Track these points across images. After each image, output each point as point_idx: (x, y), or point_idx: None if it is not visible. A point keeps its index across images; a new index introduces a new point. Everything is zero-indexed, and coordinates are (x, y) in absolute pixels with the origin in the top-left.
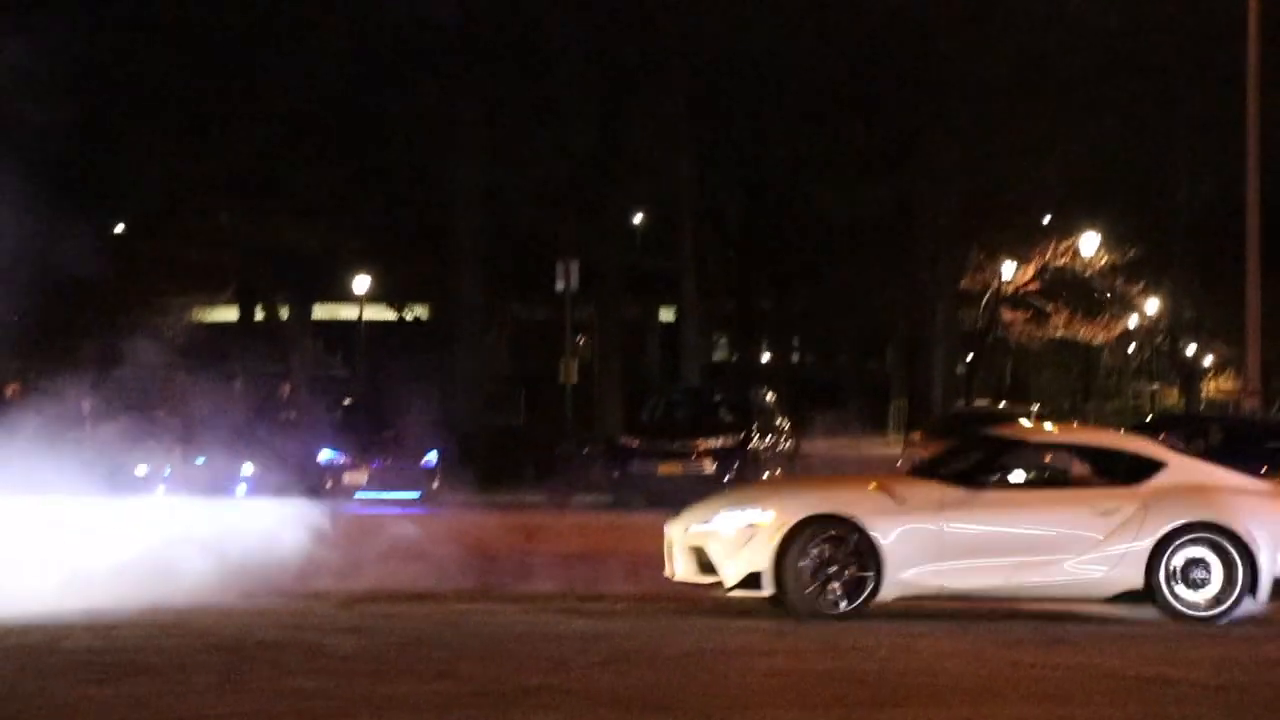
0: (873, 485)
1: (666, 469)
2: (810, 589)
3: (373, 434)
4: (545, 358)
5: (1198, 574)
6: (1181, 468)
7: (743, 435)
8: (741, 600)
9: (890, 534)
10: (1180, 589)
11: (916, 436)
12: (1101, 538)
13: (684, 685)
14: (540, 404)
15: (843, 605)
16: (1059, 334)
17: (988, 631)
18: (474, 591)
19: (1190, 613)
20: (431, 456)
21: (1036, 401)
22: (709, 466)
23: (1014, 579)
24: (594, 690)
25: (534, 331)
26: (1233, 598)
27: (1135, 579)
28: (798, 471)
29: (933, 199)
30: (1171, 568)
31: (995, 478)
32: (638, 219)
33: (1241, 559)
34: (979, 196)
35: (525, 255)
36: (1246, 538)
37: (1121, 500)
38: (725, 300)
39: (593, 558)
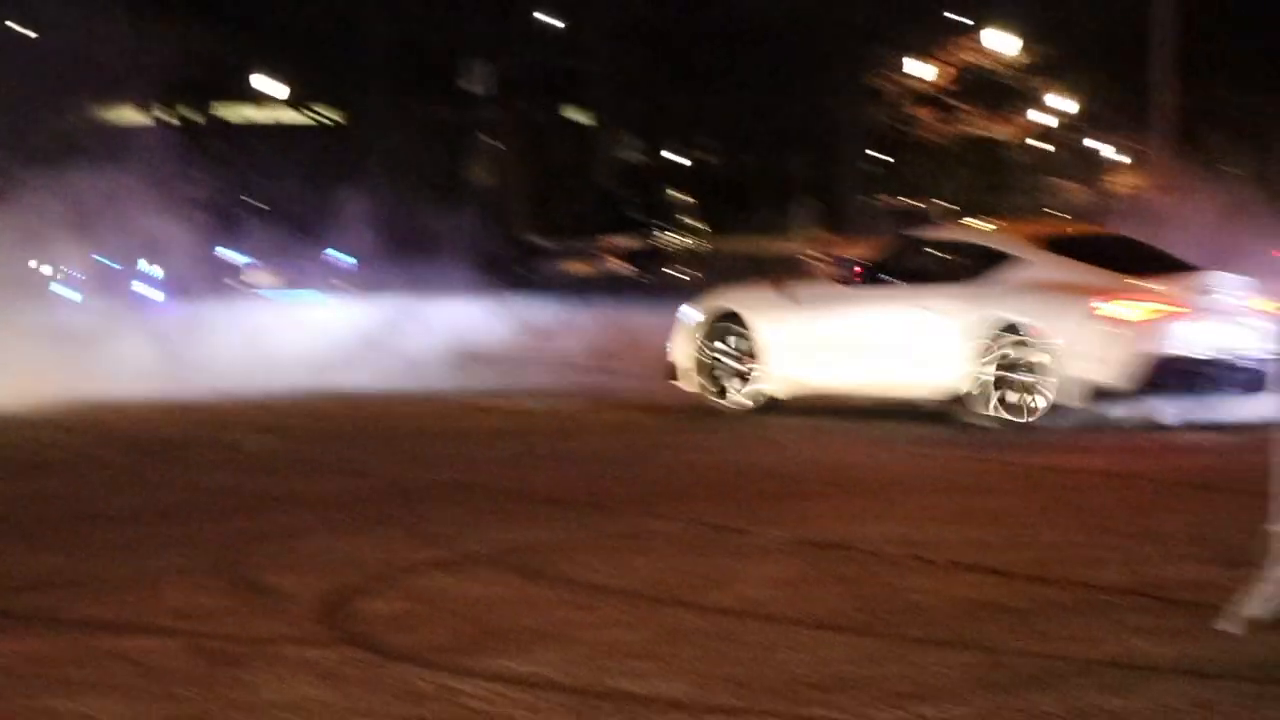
0: (777, 285)
1: (575, 267)
2: (720, 383)
3: (286, 235)
4: (454, 159)
5: (1018, 376)
6: (1045, 264)
7: (652, 235)
8: (676, 396)
9: (775, 330)
10: (1007, 394)
11: (826, 236)
12: (945, 338)
13: (591, 480)
14: (447, 205)
15: (740, 395)
16: (969, 131)
17: (890, 431)
18: (397, 390)
19: (1012, 418)
20: (343, 258)
21: (945, 200)
22: (619, 265)
23: (871, 377)
24: (499, 485)
25: (443, 132)
26: (1047, 402)
27: (965, 381)
28: (710, 271)
29: None
30: (997, 371)
31: (883, 276)
32: (548, 19)
33: (1054, 362)
34: None
35: (433, 55)
36: (1052, 339)
37: (970, 300)
38: (636, 100)
39: (513, 358)
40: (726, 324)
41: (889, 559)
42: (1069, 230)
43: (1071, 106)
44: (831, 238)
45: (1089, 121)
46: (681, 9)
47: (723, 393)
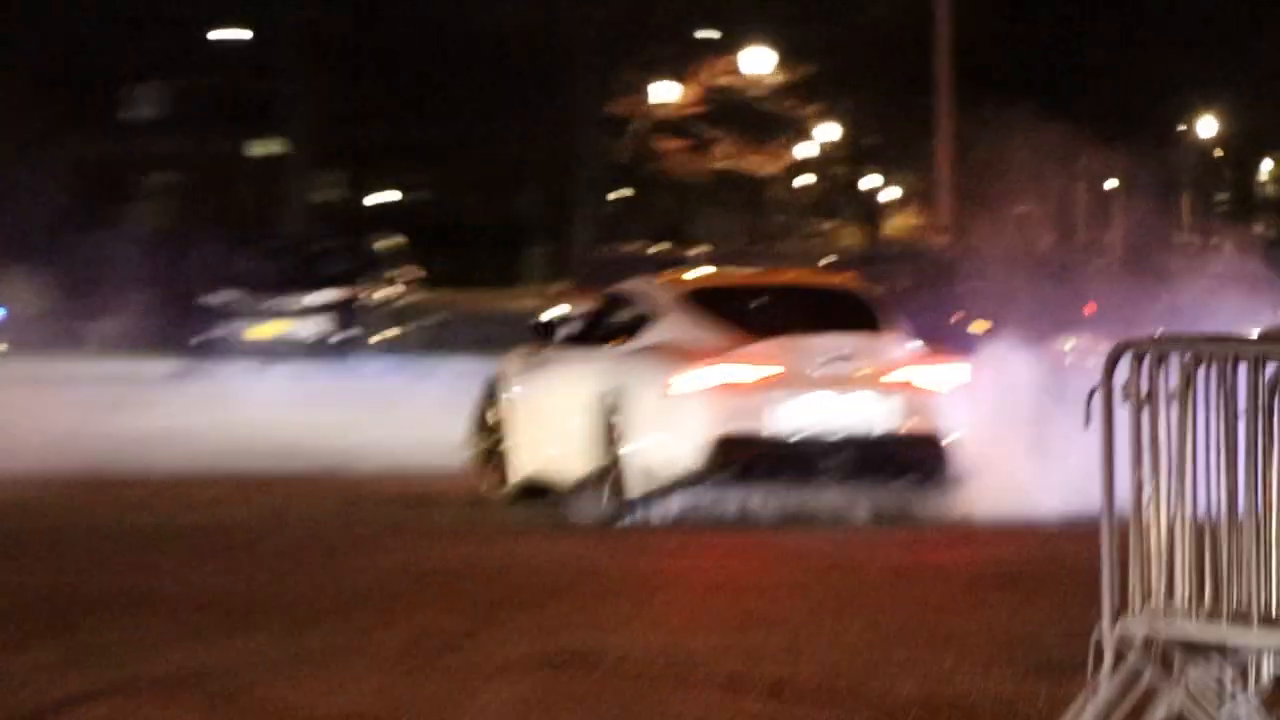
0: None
1: (262, 330)
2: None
3: None
4: (117, 199)
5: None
6: (673, 323)
7: (352, 290)
8: (390, 480)
9: (502, 404)
10: (623, 477)
11: (563, 287)
12: (579, 413)
13: (292, 584)
14: (112, 254)
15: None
16: (724, 165)
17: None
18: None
19: (616, 509)
20: None
21: (702, 244)
22: (309, 328)
23: (542, 459)
24: (181, 592)
25: (101, 168)
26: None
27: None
28: (423, 329)
29: (576, 7)
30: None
31: (568, 337)
32: (227, 34)
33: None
34: (626, 5)
35: (90, 78)
36: (633, 413)
37: (595, 367)
38: (333, 130)
39: (181, 434)
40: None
41: (646, 674)
42: (723, 279)
43: (839, 136)
44: (567, 289)
45: (861, 155)
46: (391, 25)
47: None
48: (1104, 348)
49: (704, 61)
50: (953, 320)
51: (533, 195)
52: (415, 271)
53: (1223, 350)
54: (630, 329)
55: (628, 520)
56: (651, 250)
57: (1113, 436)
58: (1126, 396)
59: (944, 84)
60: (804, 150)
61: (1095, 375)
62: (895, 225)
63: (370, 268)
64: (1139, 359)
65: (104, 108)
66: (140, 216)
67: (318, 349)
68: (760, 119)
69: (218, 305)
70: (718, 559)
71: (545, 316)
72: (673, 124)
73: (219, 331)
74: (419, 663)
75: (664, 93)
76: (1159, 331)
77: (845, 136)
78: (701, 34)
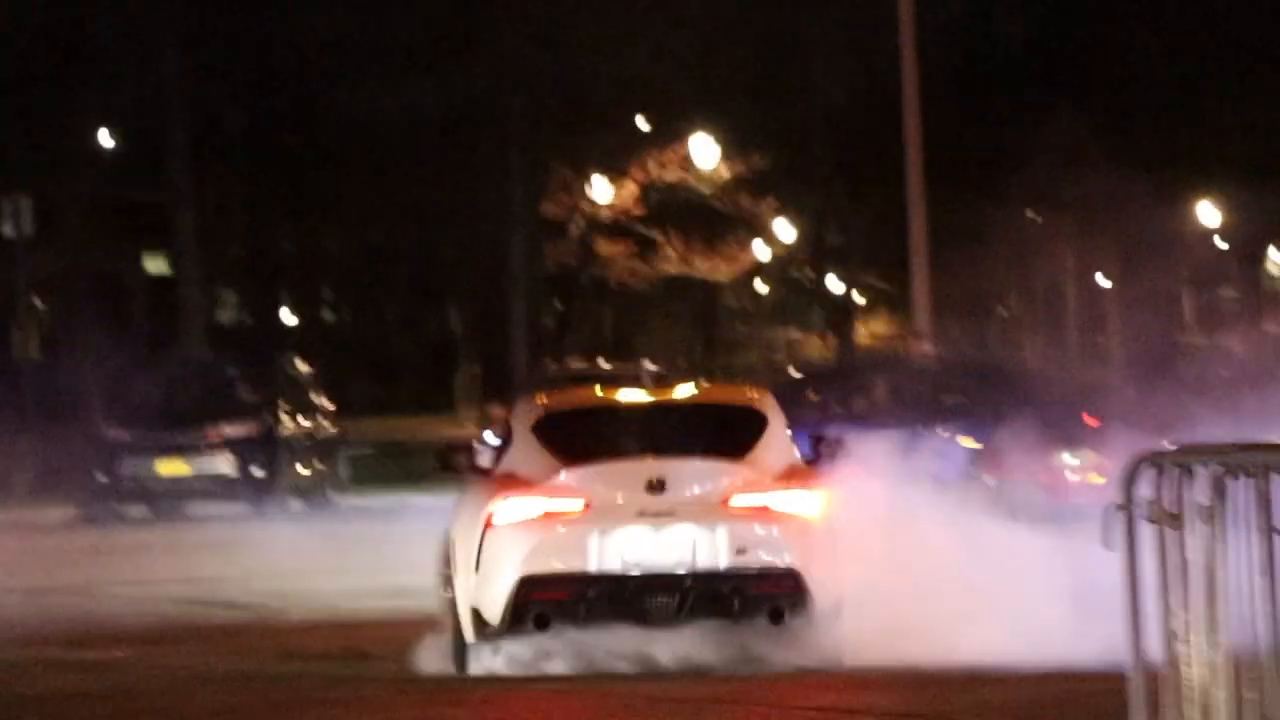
0: None
1: (169, 467)
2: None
3: None
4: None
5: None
6: (518, 449)
7: (268, 419)
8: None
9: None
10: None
11: (496, 410)
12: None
13: None
14: None
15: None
16: (672, 270)
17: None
18: None
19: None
20: None
21: (644, 357)
22: (225, 463)
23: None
24: None
25: None
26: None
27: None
28: (344, 464)
29: (499, 99)
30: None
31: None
32: (108, 139)
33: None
34: (556, 96)
35: None
36: (457, 551)
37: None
38: (232, 242)
39: (79, 590)
40: None
41: None
42: (584, 400)
43: (799, 235)
44: (503, 412)
45: (825, 255)
46: (296, 121)
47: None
48: (1112, 463)
49: (647, 154)
50: (941, 435)
51: (461, 309)
52: (325, 402)
53: (1257, 460)
54: (498, 456)
55: (470, 669)
56: (605, 365)
57: (1135, 560)
58: (1151, 515)
59: (914, 172)
60: (761, 252)
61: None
62: (868, 332)
63: (286, 394)
64: (1160, 471)
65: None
66: (23, 345)
67: (236, 487)
68: (711, 218)
69: (123, 440)
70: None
71: (445, 444)
72: (614, 225)
73: (125, 469)
74: None
75: (604, 190)
76: (1179, 442)
77: (805, 236)
78: (643, 124)
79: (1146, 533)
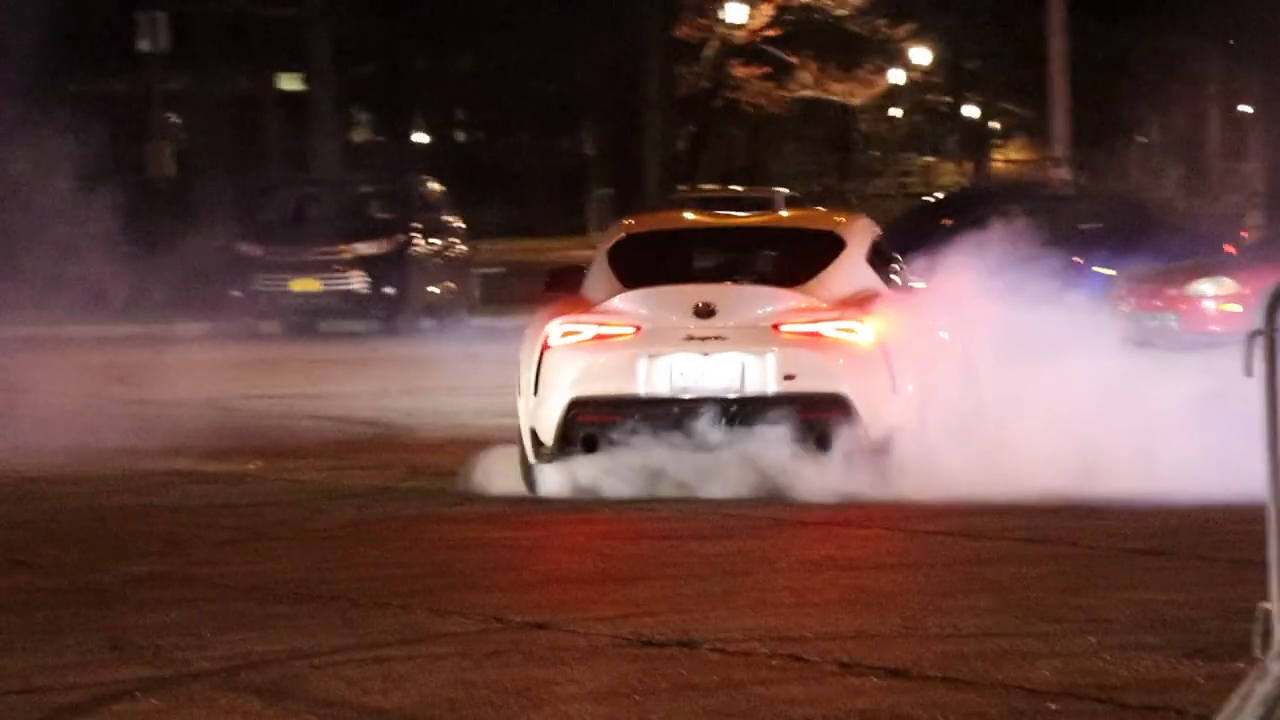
0: None
1: (302, 284)
2: None
3: None
4: (128, 142)
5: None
6: (593, 276)
7: (401, 238)
8: (445, 452)
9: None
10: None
11: None
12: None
13: (346, 566)
14: (127, 203)
15: None
16: (806, 93)
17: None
18: (55, 455)
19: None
20: None
21: (781, 184)
22: (358, 280)
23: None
24: (223, 578)
25: (112, 109)
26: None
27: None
28: (475, 284)
29: None
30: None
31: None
32: None
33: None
34: None
35: (94, 7)
36: (521, 375)
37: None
38: (366, 61)
39: (213, 404)
40: None
41: (751, 659)
42: (668, 223)
43: (935, 60)
44: None
45: (962, 81)
46: None
47: None
48: (1251, 292)
49: None
50: (1076, 262)
51: (594, 132)
52: (457, 222)
53: None
54: (583, 280)
55: (538, 490)
56: (738, 190)
57: (1276, 387)
58: None
59: (1056, 7)
60: (896, 77)
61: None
62: (1004, 159)
63: (418, 213)
64: None
65: (113, 40)
66: (158, 160)
67: (368, 304)
68: (846, 41)
69: (257, 256)
70: (819, 533)
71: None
72: (749, 48)
73: (259, 285)
74: (496, 648)
75: (738, 12)
76: None
77: (942, 61)
78: None
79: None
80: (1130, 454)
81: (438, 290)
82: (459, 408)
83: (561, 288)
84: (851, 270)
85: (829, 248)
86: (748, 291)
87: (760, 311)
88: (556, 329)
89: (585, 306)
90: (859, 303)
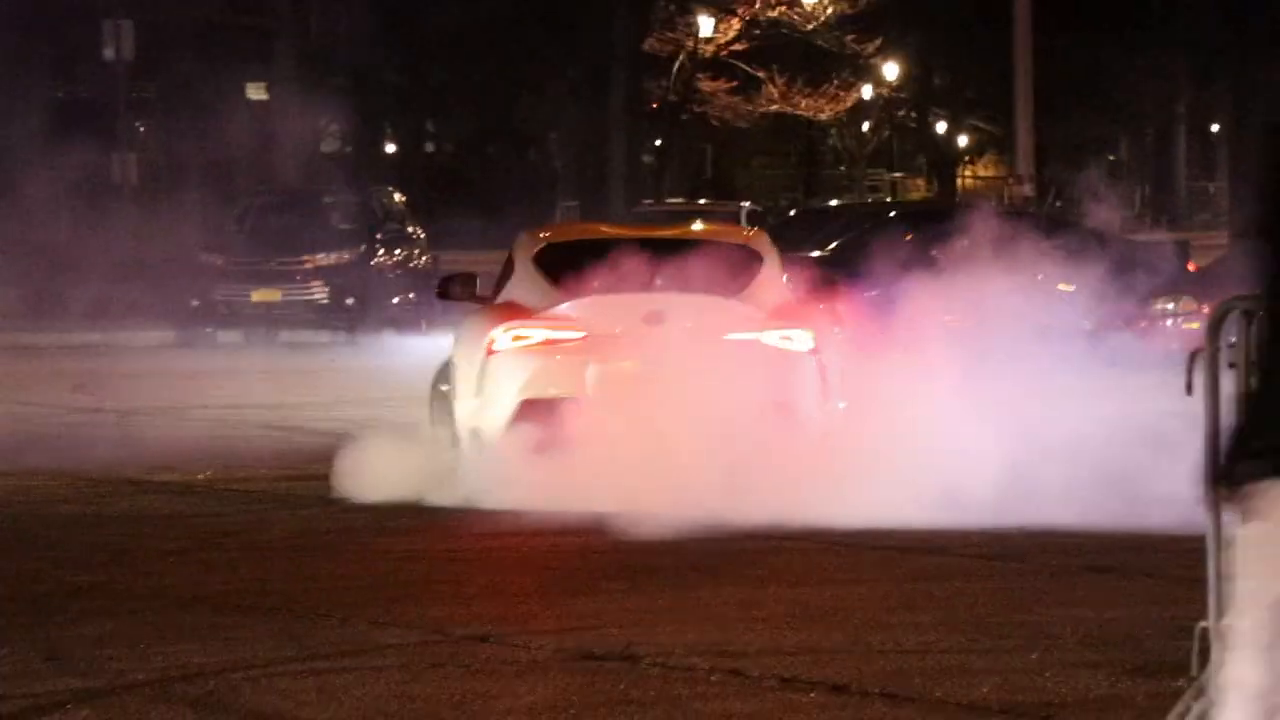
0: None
1: (262, 294)
2: None
3: None
4: (94, 150)
5: None
6: (518, 282)
7: (363, 248)
8: None
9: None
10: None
11: None
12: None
13: (288, 577)
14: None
15: None
16: (774, 108)
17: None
18: (3, 463)
19: None
20: None
21: (747, 199)
22: (319, 290)
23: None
24: (164, 588)
25: (78, 116)
26: None
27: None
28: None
29: None
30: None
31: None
32: None
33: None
34: None
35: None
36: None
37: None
38: (335, 72)
39: (167, 413)
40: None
41: (692, 674)
42: (583, 233)
43: (903, 75)
44: None
45: (930, 97)
46: None
47: None
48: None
49: None
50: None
51: (560, 145)
52: (420, 233)
53: None
54: (497, 286)
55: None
56: (702, 202)
57: (1218, 407)
58: (1233, 360)
59: (1022, 10)
60: (865, 92)
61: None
62: (973, 175)
63: (381, 225)
64: (1249, 318)
65: (80, 47)
66: (121, 169)
67: (329, 314)
68: (815, 56)
69: (218, 265)
70: (764, 546)
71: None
72: (717, 62)
73: (220, 294)
74: (435, 660)
75: (707, 26)
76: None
77: (911, 76)
78: None
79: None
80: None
81: (399, 301)
82: (418, 417)
83: (450, 295)
84: (774, 282)
85: (749, 259)
86: (691, 301)
87: (703, 320)
88: (503, 333)
89: (525, 312)
90: (791, 314)
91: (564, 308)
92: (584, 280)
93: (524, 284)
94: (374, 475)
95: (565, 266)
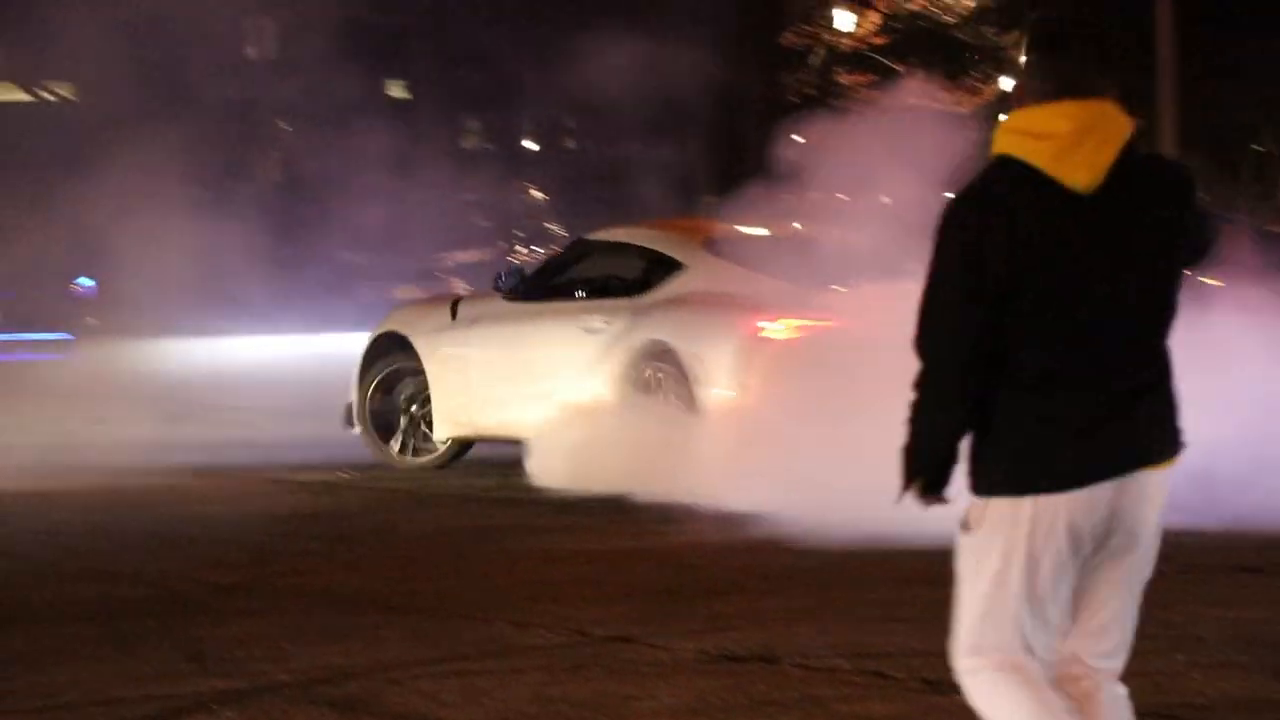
0: (451, 297)
1: (404, 293)
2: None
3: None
4: (236, 151)
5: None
6: (705, 271)
7: (500, 245)
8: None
9: (432, 359)
10: None
11: None
12: (586, 361)
13: (429, 577)
14: (231, 214)
15: (403, 453)
16: (912, 101)
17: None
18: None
19: None
20: (85, 283)
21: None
22: (461, 288)
23: (524, 413)
24: (307, 587)
25: (223, 116)
26: None
27: None
28: None
29: None
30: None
31: (532, 287)
32: None
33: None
34: None
35: (203, 12)
36: (688, 361)
37: (616, 314)
38: (469, 68)
39: (313, 413)
40: (394, 356)
41: (834, 675)
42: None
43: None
44: None
45: None
46: None
47: (404, 446)
48: None
49: None
50: None
51: (696, 140)
52: (559, 230)
53: None
54: (644, 279)
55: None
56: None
57: None
58: None
59: (1164, 12)
60: (1005, 85)
61: None
62: None
63: (520, 222)
64: None
65: (221, 47)
66: (264, 170)
67: None
68: (954, 49)
69: (358, 264)
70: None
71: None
72: (855, 56)
73: (360, 294)
74: (577, 662)
75: (845, 20)
76: None
77: None
78: None
79: None
80: None
81: None
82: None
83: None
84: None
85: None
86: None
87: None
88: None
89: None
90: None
91: (827, 299)
92: (778, 273)
93: (719, 277)
94: (574, 464)
95: (752, 259)
